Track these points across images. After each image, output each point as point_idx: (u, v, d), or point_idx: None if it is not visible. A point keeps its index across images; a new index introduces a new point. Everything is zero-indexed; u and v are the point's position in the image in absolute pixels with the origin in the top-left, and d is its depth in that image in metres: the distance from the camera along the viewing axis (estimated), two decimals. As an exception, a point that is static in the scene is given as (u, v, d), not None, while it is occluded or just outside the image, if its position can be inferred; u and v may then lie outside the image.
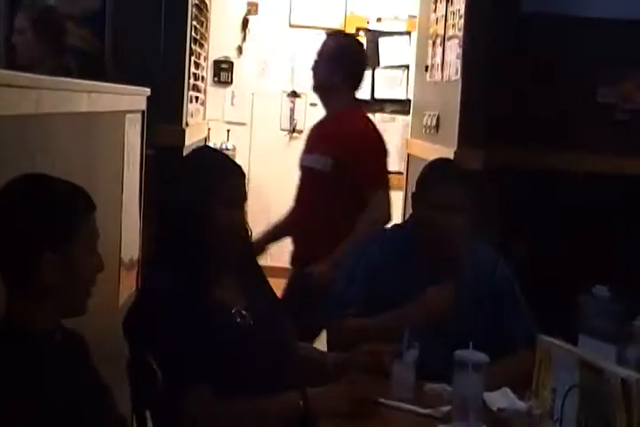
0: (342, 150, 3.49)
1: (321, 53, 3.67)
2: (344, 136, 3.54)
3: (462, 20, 4.01)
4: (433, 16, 4.65)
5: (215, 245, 2.17)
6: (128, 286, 3.33)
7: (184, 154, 3.89)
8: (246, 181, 2.29)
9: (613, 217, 3.70)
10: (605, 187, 3.73)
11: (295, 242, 3.71)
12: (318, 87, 3.68)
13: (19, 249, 1.66)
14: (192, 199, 2.15)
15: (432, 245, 2.61)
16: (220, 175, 2.20)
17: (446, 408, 2.14)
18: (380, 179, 3.56)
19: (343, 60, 3.61)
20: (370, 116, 7.10)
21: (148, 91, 3.69)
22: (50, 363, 1.66)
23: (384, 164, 3.61)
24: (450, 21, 4.29)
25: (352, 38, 3.75)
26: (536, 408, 2.10)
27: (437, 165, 2.81)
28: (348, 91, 3.66)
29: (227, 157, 2.38)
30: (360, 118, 3.72)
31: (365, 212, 3.47)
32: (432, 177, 2.70)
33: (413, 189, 2.76)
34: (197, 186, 2.17)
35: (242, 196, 2.24)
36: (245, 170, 2.31)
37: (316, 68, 3.65)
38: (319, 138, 3.66)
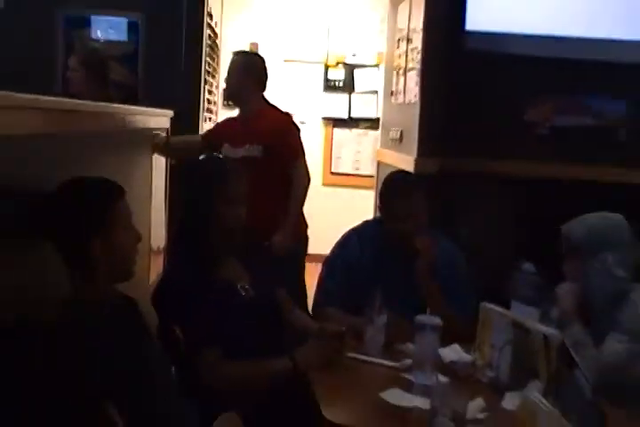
0: (269, 138, 3.49)
1: (233, 68, 3.63)
2: (269, 127, 3.53)
3: (419, 56, 4.02)
4: (396, 52, 4.66)
5: (222, 235, 2.15)
6: (156, 269, 3.33)
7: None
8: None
9: (536, 211, 3.73)
10: (531, 187, 3.75)
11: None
12: (233, 94, 3.69)
13: (70, 236, 1.66)
14: (200, 199, 2.14)
15: (397, 242, 2.57)
16: (222, 178, 2.18)
17: (409, 361, 2.12)
18: (297, 151, 3.58)
19: (251, 70, 3.61)
20: (347, 131, 7.24)
21: (171, 113, 3.70)
22: (113, 323, 1.66)
23: (299, 141, 3.61)
24: (410, 56, 4.30)
25: (255, 54, 3.78)
26: (479, 360, 2.12)
27: (392, 180, 2.74)
28: (258, 94, 3.64)
29: (228, 162, 2.36)
30: (277, 112, 3.70)
31: (295, 179, 3.51)
32: (388, 191, 2.65)
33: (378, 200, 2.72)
34: (204, 188, 2.16)
35: (242, 194, 2.21)
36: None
37: (230, 80, 3.63)
38: (246, 132, 3.56)
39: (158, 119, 3.48)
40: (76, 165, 2.04)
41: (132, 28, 4.46)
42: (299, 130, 3.68)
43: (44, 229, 1.66)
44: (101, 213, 1.68)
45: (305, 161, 3.61)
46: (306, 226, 3.69)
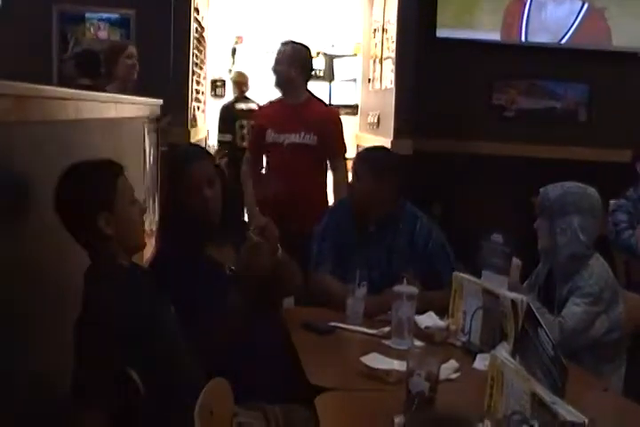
0: (323, 128, 3.41)
1: (283, 57, 3.51)
2: (323, 118, 3.46)
3: (394, 45, 4.01)
4: (373, 42, 4.64)
5: (196, 214, 2.07)
6: (149, 249, 3.30)
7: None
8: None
9: (502, 185, 3.74)
10: (498, 164, 3.77)
11: (280, 202, 3.34)
12: (282, 82, 3.52)
13: (80, 217, 1.66)
14: (173, 180, 2.10)
15: (369, 216, 2.54)
16: (190, 160, 2.10)
17: (387, 329, 2.11)
18: (343, 146, 3.54)
19: (300, 59, 3.51)
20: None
21: (161, 102, 3.67)
22: (134, 287, 1.66)
23: (344, 137, 3.57)
24: (385, 46, 4.28)
25: (302, 44, 3.59)
26: (452, 325, 2.12)
27: (366, 151, 2.73)
28: (305, 83, 3.55)
29: (196, 146, 2.29)
30: (326, 105, 3.65)
31: (337, 176, 3.46)
32: (359, 168, 2.58)
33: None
34: (174, 169, 2.11)
35: (207, 176, 2.09)
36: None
37: (279, 68, 3.50)
38: (299, 120, 3.44)
39: (148, 108, 3.45)
40: (73, 151, 2.02)
41: (123, 23, 4.42)
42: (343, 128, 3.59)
43: (56, 210, 1.65)
44: (107, 189, 1.67)
45: (346, 160, 3.51)
46: None
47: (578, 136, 3.97)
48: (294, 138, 3.43)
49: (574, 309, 2.16)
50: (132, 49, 3.81)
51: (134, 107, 3.12)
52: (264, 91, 7.05)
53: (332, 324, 2.19)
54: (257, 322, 2.04)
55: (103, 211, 1.65)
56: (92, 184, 1.67)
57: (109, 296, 1.58)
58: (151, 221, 3.35)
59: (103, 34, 4.41)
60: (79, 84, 3.52)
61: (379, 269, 2.45)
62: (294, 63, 3.48)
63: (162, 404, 1.57)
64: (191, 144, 2.40)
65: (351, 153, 6.67)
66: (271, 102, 3.70)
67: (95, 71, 3.77)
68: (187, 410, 1.41)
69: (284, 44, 3.59)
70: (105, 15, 4.41)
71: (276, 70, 3.52)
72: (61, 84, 3.79)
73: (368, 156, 2.66)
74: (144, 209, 1.79)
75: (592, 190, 2.29)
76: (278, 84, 3.53)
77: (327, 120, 3.47)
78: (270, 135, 3.45)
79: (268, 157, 3.58)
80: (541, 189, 2.30)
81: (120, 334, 1.53)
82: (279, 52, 3.56)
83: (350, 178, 2.66)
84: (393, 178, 2.51)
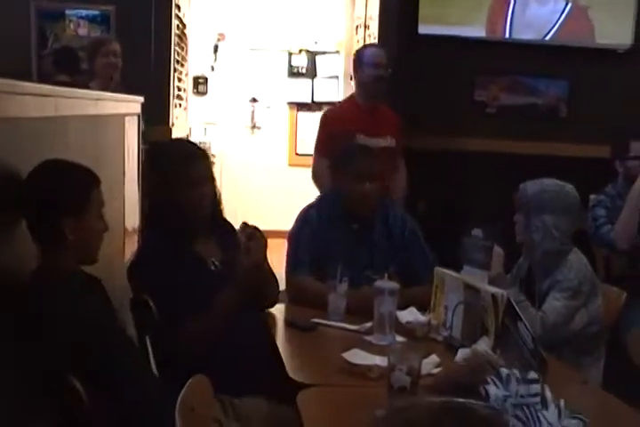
0: (396, 132, 3.50)
1: (376, 61, 3.43)
2: (395, 121, 3.53)
3: (376, 41, 4.02)
4: (355, 38, 4.65)
5: (188, 212, 2.10)
6: (131, 247, 3.28)
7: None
8: (214, 162, 2.20)
9: (485, 181, 3.76)
10: (481, 161, 3.79)
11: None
12: (375, 86, 3.46)
13: (46, 215, 1.64)
14: (167, 178, 2.09)
15: (352, 207, 2.53)
16: (186, 159, 2.12)
17: (368, 325, 2.11)
18: (401, 149, 3.60)
19: (386, 63, 3.47)
20: (311, 114, 7.21)
21: (141, 99, 3.63)
22: (77, 295, 1.65)
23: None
24: (367, 42, 4.29)
25: (381, 46, 3.53)
26: (433, 320, 2.14)
27: (349, 145, 2.77)
28: None
29: (194, 144, 2.29)
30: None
31: (399, 179, 3.53)
32: (347, 152, 2.62)
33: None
34: (171, 167, 2.10)
35: (206, 173, 2.15)
36: (219, 157, 2.24)
37: (382, 73, 3.44)
38: (382, 124, 3.50)
39: (129, 105, 3.43)
40: (52, 148, 2.01)
41: (103, 19, 4.39)
42: None
43: (21, 205, 1.64)
44: (81, 197, 1.67)
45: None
46: None
47: (559, 132, 4.00)
48: (382, 142, 3.44)
49: (554, 303, 2.19)
50: (114, 46, 3.76)
51: (115, 104, 3.10)
52: (246, 87, 7.10)
53: (314, 320, 2.19)
54: (240, 318, 2.04)
55: (71, 216, 1.64)
56: (69, 186, 1.67)
57: (53, 302, 1.57)
58: (132, 220, 3.33)
59: (83, 31, 4.38)
60: (57, 81, 3.50)
61: (362, 265, 2.46)
62: (384, 66, 3.45)
63: (111, 414, 1.54)
64: (187, 141, 2.36)
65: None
66: (342, 106, 3.63)
67: (73, 68, 3.75)
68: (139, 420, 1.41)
69: (377, 46, 3.53)
70: (84, 12, 4.38)
71: (382, 76, 3.44)
72: (41, 80, 3.76)
73: (353, 156, 2.62)
74: (107, 227, 1.78)
75: (570, 188, 2.32)
76: (380, 88, 3.45)
77: (397, 122, 3.54)
78: (360, 140, 3.38)
79: None
80: (521, 185, 2.33)
81: (62, 341, 1.51)
82: (379, 56, 3.47)
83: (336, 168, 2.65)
84: (374, 159, 2.53)
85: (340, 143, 3.26)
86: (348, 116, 3.51)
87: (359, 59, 3.51)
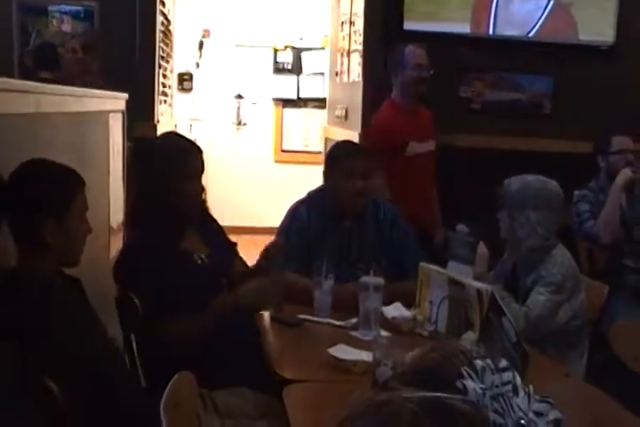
0: (434, 132, 3.48)
1: (425, 61, 3.37)
2: (431, 120, 3.51)
3: (362, 38, 4.02)
4: (340, 34, 4.64)
5: (181, 207, 2.11)
6: (116, 245, 3.27)
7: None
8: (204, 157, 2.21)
9: (471, 177, 3.78)
10: (466, 156, 3.80)
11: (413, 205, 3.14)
12: (425, 88, 3.42)
13: (26, 217, 1.63)
14: (162, 175, 2.08)
15: (342, 205, 2.54)
16: (184, 153, 2.13)
17: (354, 320, 2.13)
18: None
19: (428, 65, 3.42)
20: (296, 110, 7.22)
21: (126, 95, 3.62)
22: (54, 297, 1.64)
23: None
24: (353, 39, 4.29)
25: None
26: (419, 315, 2.16)
27: (342, 145, 2.77)
28: None
29: (188, 138, 2.29)
30: None
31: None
32: (338, 152, 2.64)
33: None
34: (167, 162, 2.10)
35: (201, 168, 2.17)
36: (204, 153, 2.24)
37: (427, 74, 3.38)
38: (426, 127, 3.46)
39: (114, 101, 3.41)
40: (35, 145, 2.00)
41: (87, 15, 4.35)
42: None
43: (2, 205, 1.62)
44: (63, 201, 1.65)
45: None
46: None
47: (543, 128, 4.02)
48: (428, 146, 3.42)
49: (538, 298, 2.20)
50: (72, 43, 3.75)
51: (99, 101, 3.09)
52: (232, 84, 7.09)
53: (300, 316, 2.20)
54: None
55: (52, 219, 1.63)
56: (52, 190, 1.65)
57: (28, 304, 1.55)
58: (117, 218, 3.32)
59: (67, 26, 4.35)
60: (40, 78, 3.48)
61: (352, 262, 2.47)
62: (432, 67, 3.39)
63: (89, 415, 1.53)
64: (180, 135, 2.34)
65: (317, 146, 6.72)
66: (386, 113, 3.44)
67: (54, 64, 3.73)
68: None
69: (418, 46, 3.39)
70: (68, 7, 4.35)
71: (425, 78, 3.37)
72: (22, 76, 3.74)
73: (345, 155, 2.62)
74: (90, 230, 1.77)
75: (553, 184, 2.33)
76: (422, 89, 3.39)
77: (434, 122, 3.49)
78: (413, 147, 3.35)
79: (405, 167, 3.34)
80: (505, 182, 2.34)
81: (38, 342, 1.50)
82: (421, 57, 3.38)
83: (326, 166, 2.65)
84: (369, 176, 2.53)
85: (397, 155, 3.25)
86: (398, 124, 3.37)
87: (400, 60, 3.40)
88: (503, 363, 0.58)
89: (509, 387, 0.56)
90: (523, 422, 0.53)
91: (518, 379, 0.58)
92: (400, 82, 3.42)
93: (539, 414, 0.55)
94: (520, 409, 0.54)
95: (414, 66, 3.37)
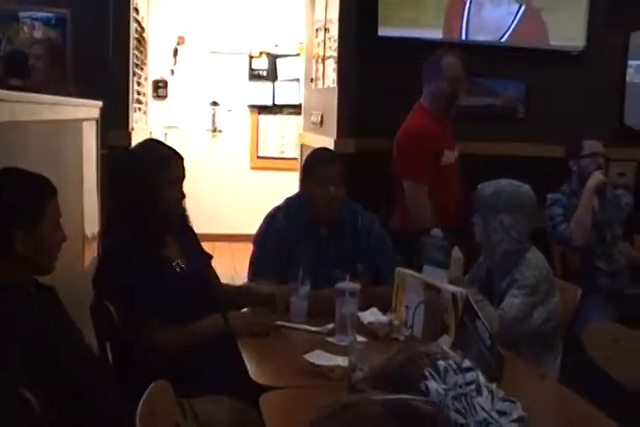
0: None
1: (457, 72, 3.29)
2: (454, 130, 3.45)
3: (336, 44, 4.04)
4: (315, 41, 4.66)
5: (161, 213, 2.11)
6: (90, 253, 3.25)
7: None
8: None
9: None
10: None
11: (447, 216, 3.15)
12: (456, 97, 3.37)
13: (2, 224, 1.61)
14: (144, 179, 2.09)
15: (318, 212, 2.55)
16: (166, 159, 2.14)
17: (330, 326, 2.13)
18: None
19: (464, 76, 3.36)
20: (271, 117, 7.22)
21: (100, 103, 3.61)
22: (27, 307, 1.62)
23: None
24: (327, 45, 4.31)
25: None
26: (395, 320, 2.16)
27: (317, 152, 2.78)
28: None
29: (168, 145, 2.30)
30: None
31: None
32: (314, 160, 2.65)
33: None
34: (148, 168, 2.10)
35: (182, 175, 2.19)
36: None
37: (460, 82, 3.33)
38: (451, 135, 3.41)
39: (87, 109, 3.40)
40: (8, 154, 1.98)
41: (59, 22, 4.33)
42: None
43: None
44: (34, 210, 1.64)
45: None
46: None
47: (517, 132, 4.06)
48: (455, 154, 3.37)
49: (513, 300, 2.23)
50: (35, 48, 3.73)
51: (73, 109, 3.07)
52: (207, 91, 7.07)
53: (276, 322, 2.20)
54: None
55: (22, 229, 1.62)
56: (23, 199, 1.64)
57: (1, 314, 1.54)
58: (91, 227, 3.30)
59: (38, 33, 4.32)
60: (10, 86, 3.45)
61: (329, 268, 2.44)
62: (462, 75, 3.32)
63: (66, 424, 1.53)
64: (160, 142, 2.34)
65: (293, 152, 6.71)
66: (417, 122, 3.36)
67: (24, 72, 3.70)
68: None
69: (454, 55, 3.30)
70: (39, 14, 4.32)
71: (460, 90, 3.34)
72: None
73: (320, 162, 2.64)
74: (65, 238, 1.76)
75: (526, 188, 2.36)
76: (456, 97, 3.35)
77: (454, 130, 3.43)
78: (447, 156, 3.30)
79: (439, 178, 3.26)
80: (479, 186, 2.37)
81: (11, 352, 1.49)
82: (458, 68, 3.29)
83: (302, 174, 2.68)
84: (344, 183, 2.54)
85: (435, 165, 3.18)
86: (431, 133, 3.30)
87: (436, 69, 3.31)
88: (466, 363, 0.59)
89: (473, 387, 0.57)
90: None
91: (482, 378, 0.59)
92: (432, 91, 3.35)
93: (502, 413, 0.56)
94: (483, 409, 0.55)
95: (450, 79, 3.29)
